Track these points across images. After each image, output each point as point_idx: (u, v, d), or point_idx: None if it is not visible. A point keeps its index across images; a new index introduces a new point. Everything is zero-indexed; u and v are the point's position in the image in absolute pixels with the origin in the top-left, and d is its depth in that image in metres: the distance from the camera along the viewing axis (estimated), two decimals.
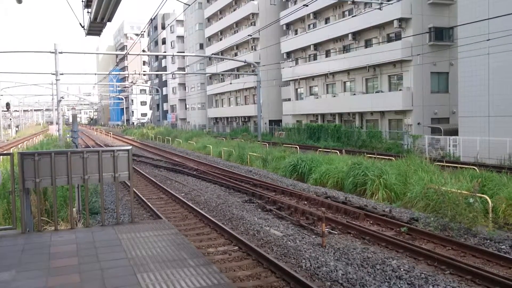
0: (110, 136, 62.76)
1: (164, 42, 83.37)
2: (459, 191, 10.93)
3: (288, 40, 44.87)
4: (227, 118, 61.03)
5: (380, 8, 23.32)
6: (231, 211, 13.05)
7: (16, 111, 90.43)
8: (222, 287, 4.59)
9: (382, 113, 33.73)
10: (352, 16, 31.55)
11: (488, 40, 21.47)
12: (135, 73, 46.73)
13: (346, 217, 11.84)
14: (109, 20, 10.79)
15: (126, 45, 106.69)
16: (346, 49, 37.01)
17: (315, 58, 41.66)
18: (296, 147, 26.86)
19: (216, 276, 4.89)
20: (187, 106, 74.78)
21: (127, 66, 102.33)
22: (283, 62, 46.04)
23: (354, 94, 36.40)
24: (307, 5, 23.12)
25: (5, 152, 16.00)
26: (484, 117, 23.14)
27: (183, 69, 69.52)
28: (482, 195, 10.82)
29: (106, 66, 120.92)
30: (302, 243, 9.65)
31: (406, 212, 12.33)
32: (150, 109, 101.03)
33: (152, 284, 4.66)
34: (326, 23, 39.58)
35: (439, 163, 16.31)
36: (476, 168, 15.14)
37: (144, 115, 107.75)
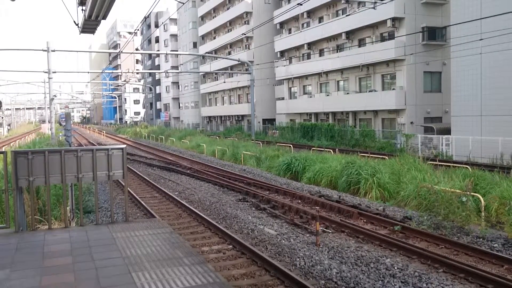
0: (103, 135, 62.48)
1: (157, 41, 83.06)
2: (452, 190, 10.99)
3: (281, 39, 44.89)
4: (221, 117, 60.96)
5: (374, 8, 23.39)
6: (225, 209, 13.05)
7: (8, 109, 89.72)
8: (217, 286, 4.59)
9: (376, 112, 33.85)
10: (346, 16, 31.62)
11: (480, 40, 21.61)
12: (128, 72, 46.46)
13: (340, 216, 11.87)
14: (104, 18, 10.74)
15: (119, 44, 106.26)
16: (339, 48, 37.08)
17: (308, 57, 41.69)
18: (290, 146, 26.91)
19: (211, 274, 4.90)
20: (181, 104, 74.59)
21: (120, 65, 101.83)
22: (276, 61, 46.06)
23: (348, 93, 36.49)
24: (301, 4, 23.11)
25: None
26: (477, 117, 23.29)
27: (176, 67, 69.31)
28: (475, 194, 10.89)
29: (99, 65, 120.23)
30: (296, 241, 9.67)
31: (400, 210, 12.39)
32: (143, 107, 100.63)
33: (147, 283, 4.65)
34: (319, 22, 39.64)
35: (432, 162, 16.40)
36: (468, 167, 15.25)
37: (137, 113, 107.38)
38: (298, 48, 42.92)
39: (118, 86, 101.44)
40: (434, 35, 31.34)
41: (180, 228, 10.98)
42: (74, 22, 12.34)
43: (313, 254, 8.72)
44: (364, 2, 25.98)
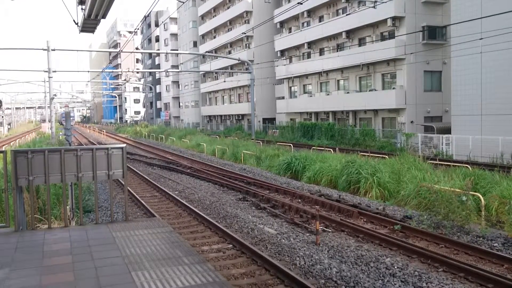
0: (103, 134, 62.47)
1: (157, 40, 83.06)
2: (452, 189, 10.98)
3: (282, 38, 44.86)
4: (221, 116, 60.95)
5: (374, 7, 23.37)
6: (225, 209, 13.04)
7: (8, 108, 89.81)
8: (217, 285, 4.58)
9: (376, 111, 33.84)
10: (346, 15, 31.57)
11: (480, 39, 21.59)
12: (129, 71, 46.46)
13: (340, 215, 11.86)
14: (103, 17, 10.73)
15: (119, 43, 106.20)
16: (340, 47, 37.06)
17: (309, 57, 41.69)
18: (290, 145, 26.91)
19: (211, 274, 4.89)
20: (181, 104, 74.58)
21: (120, 64, 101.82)
22: (277, 60, 46.04)
23: (348, 93, 36.48)
24: (301, 3, 23.05)
25: None
26: (477, 116, 23.28)
27: (176, 67, 69.30)
28: (475, 193, 10.88)
29: (99, 64, 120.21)
30: (296, 241, 9.66)
31: (400, 210, 12.38)
32: (144, 107, 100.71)
33: (147, 282, 4.65)
34: (320, 21, 39.60)
35: (432, 161, 16.41)
36: (468, 166, 15.23)
37: (137, 113, 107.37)
38: (298, 47, 42.89)
39: (118, 85, 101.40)
40: (435, 34, 31.32)
41: (180, 228, 10.98)
42: (74, 21, 12.33)
43: (313, 253, 8.71)
44: (364, 1, 25.98)
